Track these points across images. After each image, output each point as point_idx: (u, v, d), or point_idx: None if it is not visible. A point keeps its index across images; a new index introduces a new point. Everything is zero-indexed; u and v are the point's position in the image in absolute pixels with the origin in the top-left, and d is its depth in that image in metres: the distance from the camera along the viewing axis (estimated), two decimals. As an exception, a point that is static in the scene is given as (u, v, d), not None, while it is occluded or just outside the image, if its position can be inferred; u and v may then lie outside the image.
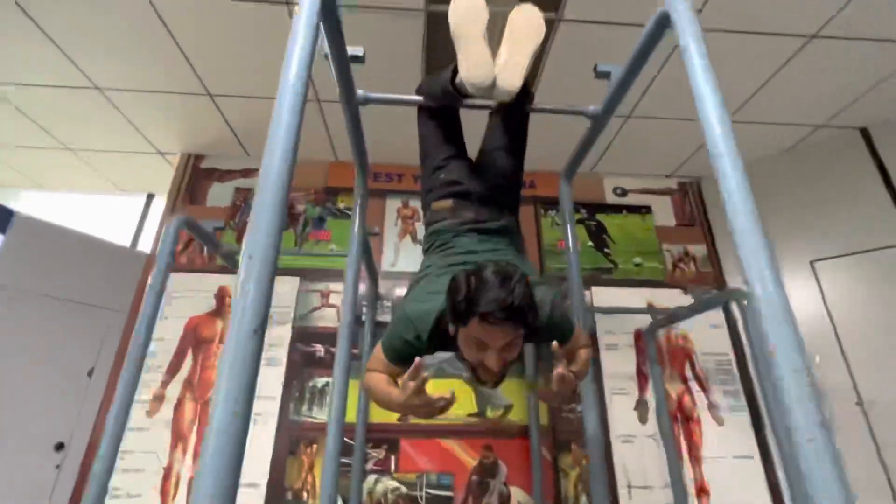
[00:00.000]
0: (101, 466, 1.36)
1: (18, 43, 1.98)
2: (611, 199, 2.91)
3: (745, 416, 2.35)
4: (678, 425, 2.34)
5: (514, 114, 1.44)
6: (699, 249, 2.79)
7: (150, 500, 2.01)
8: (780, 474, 2.22)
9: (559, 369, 0.93)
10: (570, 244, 1.60)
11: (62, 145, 2.70)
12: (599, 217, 2.84)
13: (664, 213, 2.90)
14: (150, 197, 3.30)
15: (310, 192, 2.74)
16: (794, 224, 2.54)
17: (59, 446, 2.03)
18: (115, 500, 1.97)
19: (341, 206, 2.73)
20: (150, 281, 1.51)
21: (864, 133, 2.45)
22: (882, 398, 2.08)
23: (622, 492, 2.18)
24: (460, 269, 0.95)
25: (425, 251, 1.31)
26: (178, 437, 2.13)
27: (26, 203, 3.37)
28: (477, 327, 0.88)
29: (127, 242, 3.09)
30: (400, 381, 0.93)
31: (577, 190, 1.87)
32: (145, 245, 3.08)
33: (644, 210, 2.88)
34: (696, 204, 2.94)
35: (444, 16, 1.85)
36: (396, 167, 2.84)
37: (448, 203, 1.29)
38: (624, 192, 2.93)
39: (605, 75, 1.38)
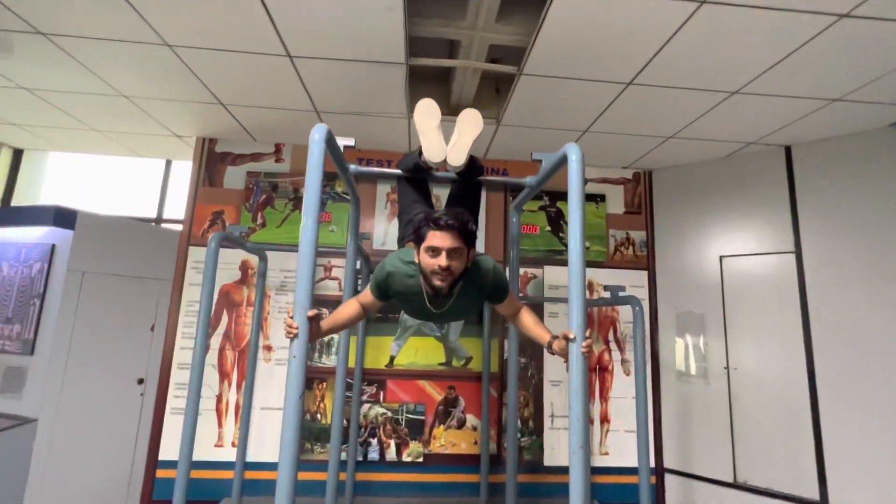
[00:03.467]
0: (193, 390, 2.06)
1: (50, 65, 2.28)
2: (572, 187, 3.35)
3: (647, 369, 3.13)
4: (596, 375, 3.12)
5: (468, 182, 1.92)
6: (639, 234, 3.34)
7: (209, 417, 2.83)
8: (663, 409, 3.07)
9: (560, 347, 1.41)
10: (513, 261, 2.16)
11: (89, 127, 3.05)
12: (560, 204, 3.32)
13: (615, 202, 3.38)
14: (169, 163, 3.69)
15: (311, 177, 3.17)
16: (715, 221, 3.06)
17: (140, 381, 2.80)
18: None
19: (339, 189, 3.19)
20: (203, 290, 2.10)
21: (788, 150, 2.84)
22: (742, 366, 2.83)
23: (546, 419, 3.04)
24: None
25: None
26: (223, 375, 2.89)
27: (55, 163, 3.78)
28: (431, 235, 1.35)
29: (152, 206, 3.59)
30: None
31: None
32: (170, 210, 3.58)
33: (599, 199, 3.35)
34: (644, 193, 3.41)
35: (422, 67, 2.21)
36: (387, 153, 3.24)
37: None
38: (584, 181, 3.36)
39: (538, 161, 1.84)
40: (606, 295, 2.65)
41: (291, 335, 1.28)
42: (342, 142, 1.71)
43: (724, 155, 3.05)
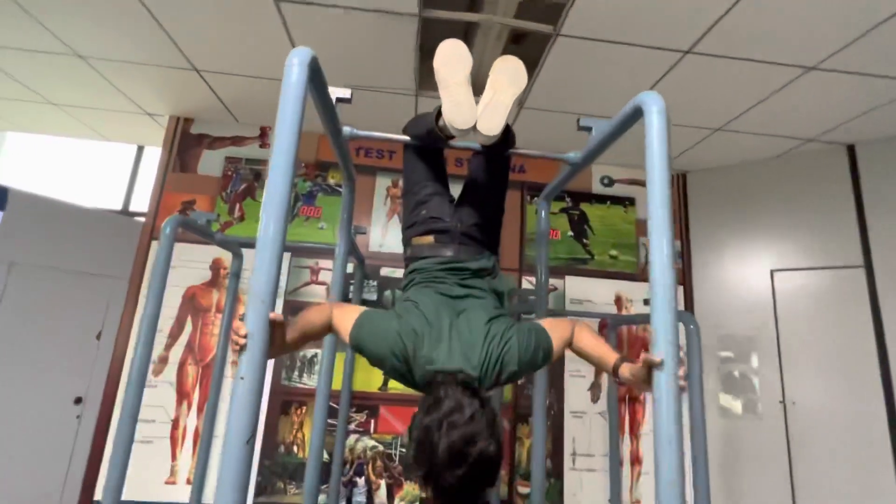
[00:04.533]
0: (127, 415, 1.57)
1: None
2: (597, 188, 2.96)
3: (685, 401, 2.67)
4: (625, 405, 2.66)
5: (495, 156, 1.49)
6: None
7: (161, 445, 2.33)
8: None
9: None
10: (542, 275, 1.73)
11: (45, 100, 2.63)
12: (584, 206, 2.92)
13: (645, 207, 2.97)
14: (141, 149, 3.27)
15: (300, 166, 2.76)
16: (764, 230, 2.66)
17: (78, 400, 2.30)
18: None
19: (332, 181, 2.77)
20: (151, 287, 1.64)
21: (851, 150, 2.47)
22: (803, 400, 2.38)
23: (567, 458, 2.56)
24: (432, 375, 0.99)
25: (404, 288, 1.42)
26: (182, 395, 2.40)
27: (13, 145, 3.35)
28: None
29: (119, 197, 3.14)
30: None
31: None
32: (138, 202, 3.14)
33: (627, 202, 2.95)
34: (678, 197, 3.01)
35: (438, 20, 1.81)
36: (387, 143, 2.83)
37: (429, 239, 1.38)
38: (611, 182, 2.98)
39: (586, 129, 1.43)
40: (647, 310, 2.21)
41: (237, 347, 0.82)
42: (336, 92, 1.31)
43: (773, 155, 2.67)
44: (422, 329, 1.06)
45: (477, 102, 1.28)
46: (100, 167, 3.39)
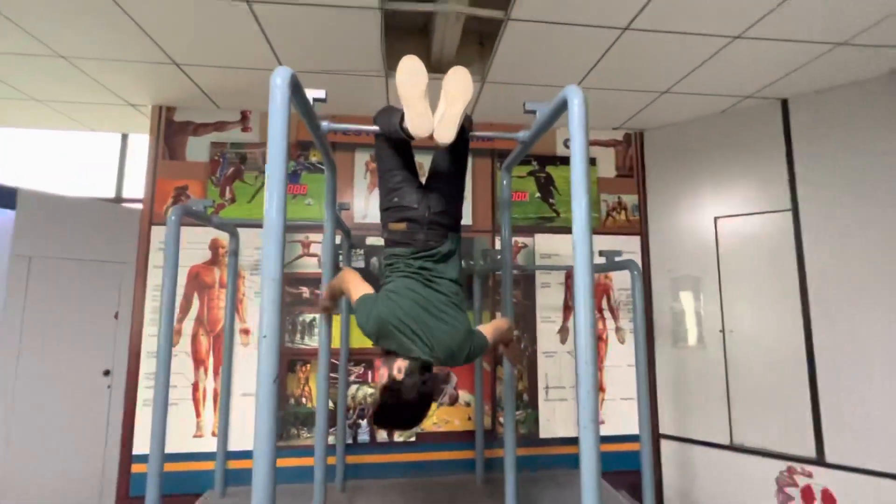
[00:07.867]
0: (161, 380, 1.86)
1: (-27, 18, 1.98)
2: (561, 150, 3.19)
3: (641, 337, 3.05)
4: (590, 344, 3.04)
5: (455, 144, 1.72)
6: (631, 199, 3.22)
7: (186, 407, 2.66)
8: (658, 376, 3.02)
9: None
10: (506, 236, 2.00)
11: (27, 96, 2.73)
12: (549, 169, 3.16)
13: (606, 165, 3.24)
14: (125, 137, 3.38)
15: (283, 147, 2.93)
16: (709, 181, 2.96)
17: (106, 372, 2.59)
18: (159, 407, 2.60)
19: (314, 159, 2.96)
20: (165, 270, 1.89)
21: (784, 104, 2.73)
22: (738, 328, 2.77)
23: (541, 391, 2.96)
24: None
25: (387, 266, 1.70)
26: (198, 362, 2.71)
27: (-2, 140, 3.42)
28: None
29: (107, 185, 3.29)
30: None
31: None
32: (129, 189, 3.29)
33: (590, 162, 3.19)
34: (636, 154, 3.27)
35: (399, 18, 1.98)
36: (366, 119, 2.99)
37: (402, 226, 1.66)
38: (588, 132, 3.20)
39: (531, 112, 1.66)
40: (602, 260, 2.53)
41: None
42: (312, 94, 1.49)
43: (719, 111, 2.91)
44: (397, 319, 1.45)
45: (434, 111, 1.54)
46: (83, 156, 3.50)
